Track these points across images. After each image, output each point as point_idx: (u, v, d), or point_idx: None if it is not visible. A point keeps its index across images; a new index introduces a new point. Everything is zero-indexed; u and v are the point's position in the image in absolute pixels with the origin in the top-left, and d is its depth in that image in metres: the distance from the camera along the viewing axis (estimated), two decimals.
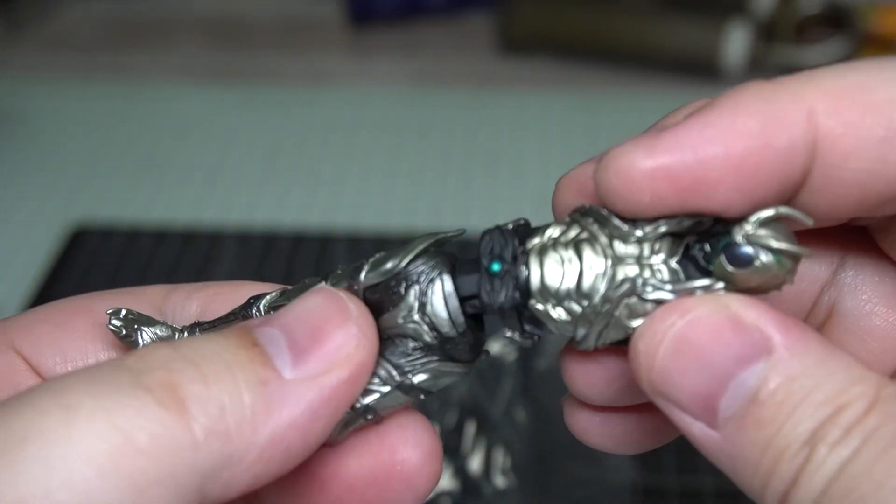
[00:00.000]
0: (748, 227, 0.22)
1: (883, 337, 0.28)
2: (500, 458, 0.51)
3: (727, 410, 0.21)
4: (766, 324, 0.22)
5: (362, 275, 0.24)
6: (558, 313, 0.24)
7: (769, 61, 0.86)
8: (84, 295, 0.29)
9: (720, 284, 0.22)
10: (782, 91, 0.24)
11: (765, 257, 0.22)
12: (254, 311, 0.26)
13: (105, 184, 0.77)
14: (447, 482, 0.50)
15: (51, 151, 0.81)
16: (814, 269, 0.29)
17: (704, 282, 0.22)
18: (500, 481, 0.49)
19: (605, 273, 0.23)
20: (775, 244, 0.22)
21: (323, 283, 0.25)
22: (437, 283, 0.24)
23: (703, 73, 0.86)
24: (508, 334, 0.25)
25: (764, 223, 0.22)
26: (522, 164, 0.78)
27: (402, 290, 0.24)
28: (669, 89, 0.87)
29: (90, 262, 0.68)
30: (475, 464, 0.51)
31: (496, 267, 0.24)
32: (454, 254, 0.25)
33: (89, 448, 0.19)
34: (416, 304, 0.24)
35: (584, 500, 0.50)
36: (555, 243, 0.24)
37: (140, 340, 0.26)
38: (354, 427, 0.25)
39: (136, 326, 0.26)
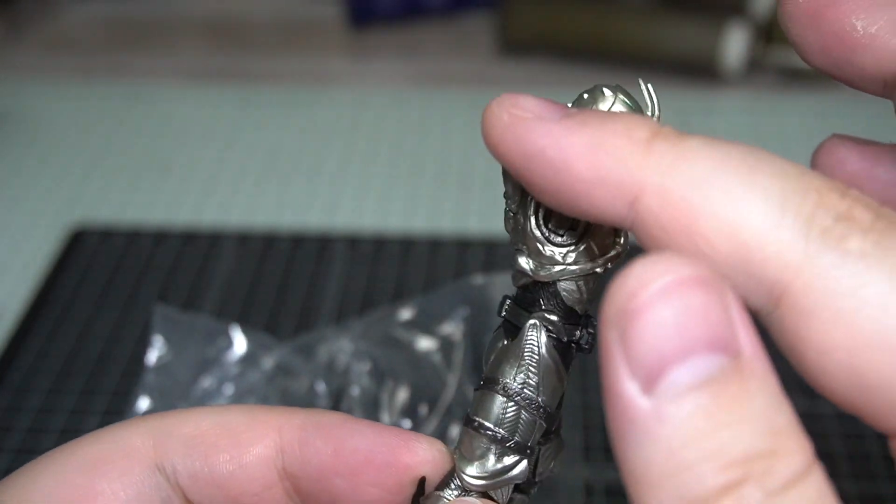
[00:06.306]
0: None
1: None
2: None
3: (673, 384, 0.20)
4: (742, 332, 0.20)
5: None
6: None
7: (768, 62, 0.86)
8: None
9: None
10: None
11: None
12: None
13: (105, 184, 0.77)
14: None
15: (51, 152, 0.82)
16: None
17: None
18: None
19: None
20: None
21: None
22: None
23: (701, 74, 0.86)
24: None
25: None
26: None
27: None
28: (668, 90, 0.87)
29: (90, 262, 0.68)
30: None
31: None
32: None
33: None
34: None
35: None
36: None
37: None
38: None
39: None
